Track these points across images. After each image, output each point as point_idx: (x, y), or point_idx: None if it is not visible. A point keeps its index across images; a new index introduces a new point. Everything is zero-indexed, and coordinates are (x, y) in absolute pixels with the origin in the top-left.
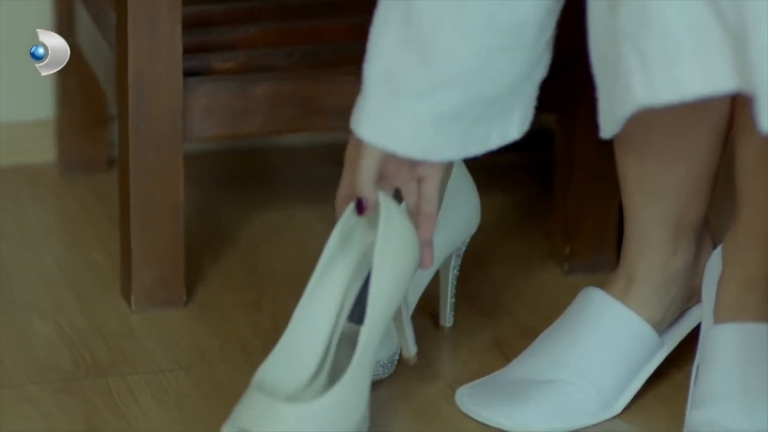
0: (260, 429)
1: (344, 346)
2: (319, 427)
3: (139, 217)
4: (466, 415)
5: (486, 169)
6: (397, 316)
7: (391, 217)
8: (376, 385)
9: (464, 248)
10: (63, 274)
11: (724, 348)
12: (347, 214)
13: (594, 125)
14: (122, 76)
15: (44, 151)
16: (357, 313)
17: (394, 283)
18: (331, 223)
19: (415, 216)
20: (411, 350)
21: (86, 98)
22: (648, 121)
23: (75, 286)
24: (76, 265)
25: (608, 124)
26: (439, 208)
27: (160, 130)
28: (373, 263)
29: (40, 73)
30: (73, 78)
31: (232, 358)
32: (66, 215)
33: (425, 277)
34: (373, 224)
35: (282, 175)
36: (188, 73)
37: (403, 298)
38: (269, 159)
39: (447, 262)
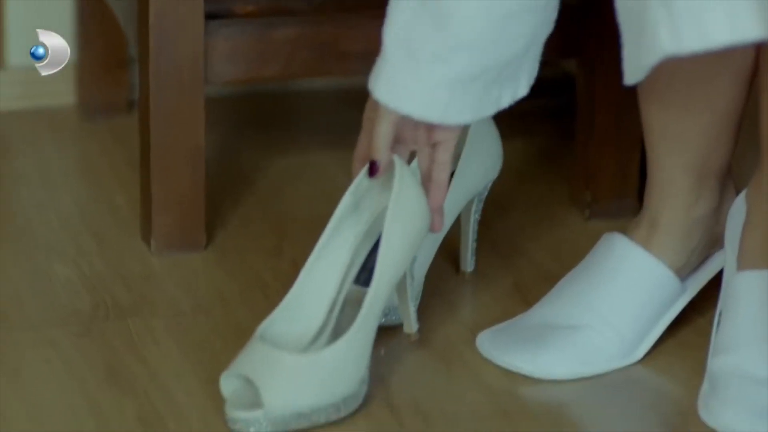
0: (262, 377)
1: (348, 308)
2: (319, 380)
3: (160, 160)
4: (487, 360)
5: (508, 115)
6: (401, 291)
7: (405, 183)
8: (396, 329)
9: (486, 193)
10: (83, 217)
11: (748, 295)
12: (360, 178)
13: (616, 70)
14: (143, 18)
15: (64, 94)
16: (363, 276)
17: (403, 247)
18: (349, 168)
19: (426, 182)
20: (413, 326)
21: (107, 41)
22: (672, 69)
23: (95, 229)
24: (96, 208)
25: (633, 72)
26: (451, 175)
27: (181, 73)
28: (384, 227)
29: (60, 17)
30: (94, 21)
31: (251, 301)
32: (86, 158)
33: (432, 246)
34: (386, 190)
35: (302, 120)
36: (209, 17)
37: (410, 264)
38: (289, 103)
39: (468, 207)
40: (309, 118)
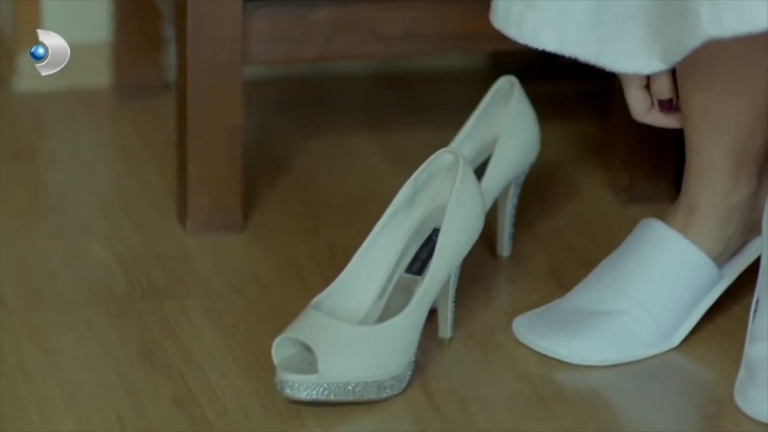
0: (319, 343)
1: (397, 295)
2: (373, 353)
3: (196, 140)
4: (523, 345)
5: (546, 99)
6: (443, 293)
7: (466, 179)
8: (432, 315)
9: (523, 178)
10: (118, 197)
11: None
12: (419, 172)
13: None
14: None
15: (100, 75)
16: (416, 266)
17: (459, 241)
18: (388, 151)
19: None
20: (447, 332)
21: (142, 21)
22: (714, 52)
23: (130, 209)
24: (131, 188)
25: (673, 54)
26: (487, 160)
27: (219, 53)
28: (445, 217)
29: None
30: (130, 0)
31: (287, 282)
32: (121, 139)
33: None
34: (441, 189)
35: (339, 102)
36: None
37: (461, 260)
38: (326, 85)
39: (506, 191)
40: (346, 100)
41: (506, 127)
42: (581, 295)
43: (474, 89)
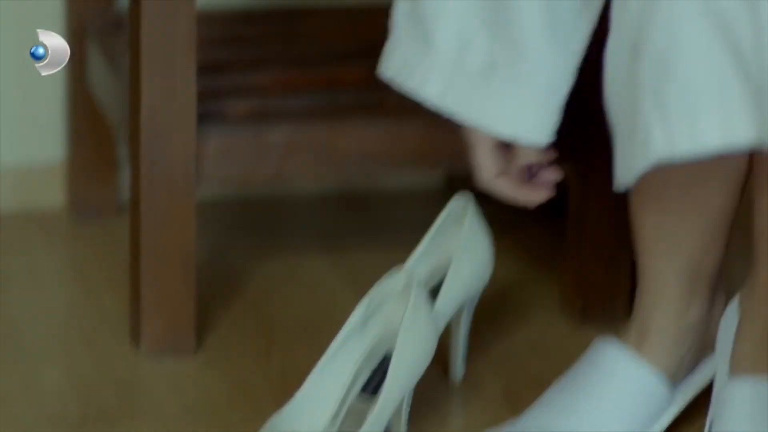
0: None
1: (351, 419)
2: None
3: (150, 263)
4: None
5: (499, 219)
6: (396, 417)
7: (418, 305)
8: None
9: (477, 300)
10: (73, 320)
11: (739, 403)
12: (372, 294)
13: (609, 175)
14: (135, 118)
15: (54, 196)
16: (370, 387)
17: (411, 368)
18: (342, 272)
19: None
20: None
21: (97, 142)
22: (666, 172)
23: (84, 332)
24: (85, 311)
25: (625, 176)
26: (440, 285)
27: (173, 175)
28: (396, 345)
29: (49, 117)
30: (84, 121)
31: (241, 406)
32: (76, 261)
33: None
34: (394, 312)
35: (294, 223)
36: (201, 118)
37: (414, 383)
38: (281, 206)
39: (459, 313)
40: (301, 221)
41: (459, 249)
42: (534, 417)
43: (430, 208)
